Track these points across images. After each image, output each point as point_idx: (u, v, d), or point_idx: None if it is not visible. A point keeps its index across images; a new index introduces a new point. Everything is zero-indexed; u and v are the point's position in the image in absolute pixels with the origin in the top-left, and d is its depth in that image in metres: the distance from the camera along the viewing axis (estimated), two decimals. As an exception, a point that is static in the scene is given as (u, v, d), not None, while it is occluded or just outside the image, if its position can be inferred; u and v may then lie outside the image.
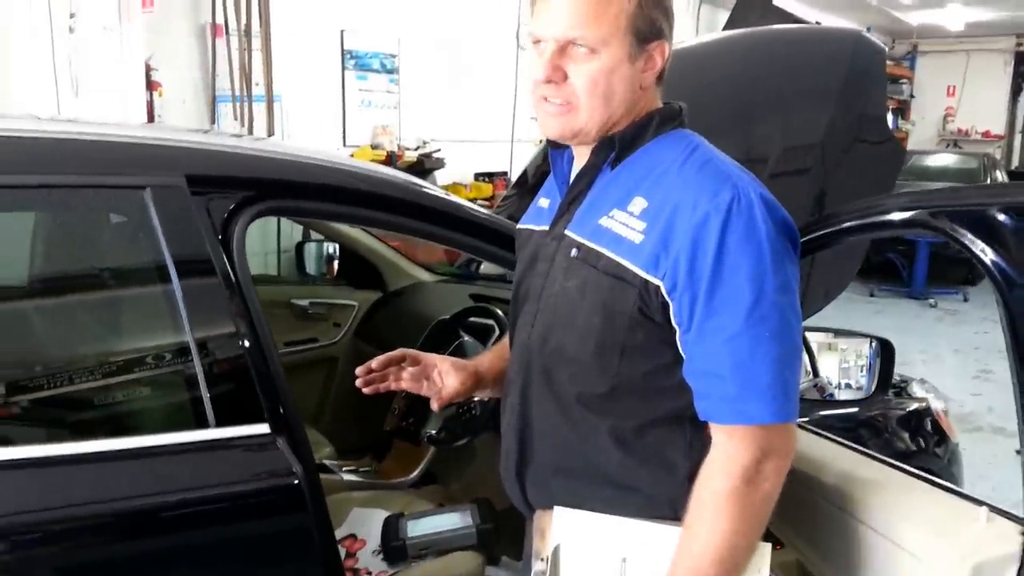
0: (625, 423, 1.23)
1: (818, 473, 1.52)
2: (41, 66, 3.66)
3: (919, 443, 2.42)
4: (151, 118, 4.16)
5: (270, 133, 4.78)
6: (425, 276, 3.14)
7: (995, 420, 4.92)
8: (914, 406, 2.45)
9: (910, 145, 12.25)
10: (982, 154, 10.63)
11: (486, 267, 2.94)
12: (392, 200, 1.70)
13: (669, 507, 1.22)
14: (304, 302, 3.03)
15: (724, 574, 1.14)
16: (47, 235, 1.69)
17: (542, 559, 1.31)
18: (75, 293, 1.62)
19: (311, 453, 1.43)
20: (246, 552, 1.38)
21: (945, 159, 10.55)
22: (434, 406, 1.47)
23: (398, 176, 1.88)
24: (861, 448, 1.64)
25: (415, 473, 2.42)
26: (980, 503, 1.36)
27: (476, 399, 1.94)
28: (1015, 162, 13.43)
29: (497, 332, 2.22)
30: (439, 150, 5.85)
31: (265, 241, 4.34)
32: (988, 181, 9.44)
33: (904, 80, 13.20)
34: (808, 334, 2.23)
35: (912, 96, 13.50)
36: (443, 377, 1.45)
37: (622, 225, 1.20)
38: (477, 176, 6.39)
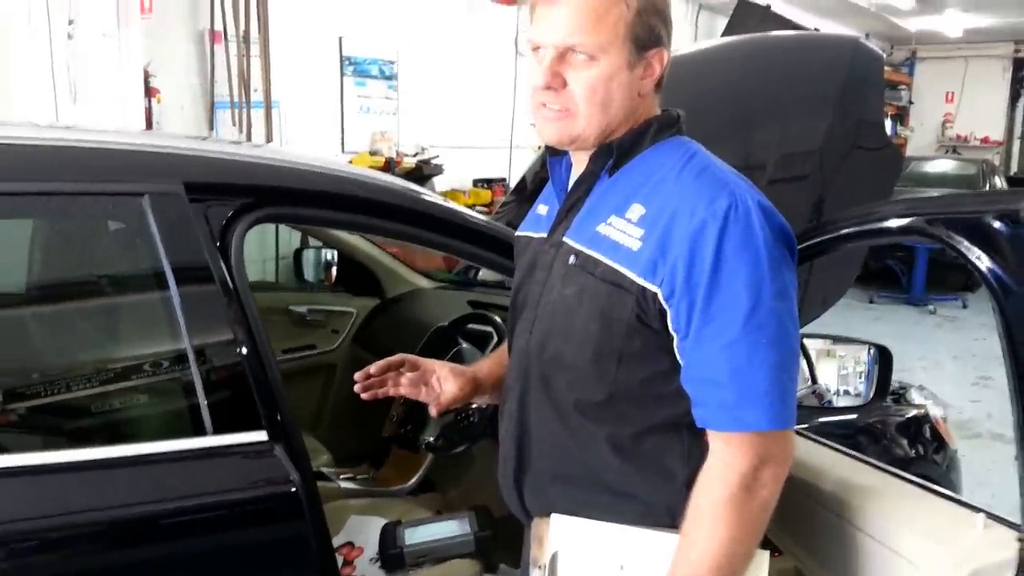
0: (623, 430, 1.23)
1: (816, 480, 1.52)
2: (40, 72, 3.67)
3: (918, 450, 2.42)
4: (149, 124, 4.17)
5: (268, 139, 4.78)
6: (423, 283, 3.14)
7: (994, 426, 4.92)
8: (912, 413, 2.45)
9: (909, 151, 12.28)
10: (981, 160, 10.65)
11: (484, 274, 2.94)
12: (390, 207, 1.70)
13: (667, 514, 1.22)
14: (302, 309, 3.03)
15: (722, 582, 1.14)
16: (45, 242, 1.69)
17: (540, 566, 1.31)
18: (73, 300, 1.62)
19: (309, 461, 1.42)
20: (244, 560, 1.38)
21: (944, 165, 10.57)
22: (432, 411, 1.47)
23: (396, 183, 1.88)
24: (859, 455, 1.64)
25: (413, 480, 2.41)
26: (977, 510, 1.36)
27: (474, 406, 1.93)
28: (1014, 168, 13.45)
29: (495, 339, 2.22)
30: (438, 156, 5.86)
31: (263, 248, 4.34)
32: (987, 187, 9.47)
33: (903, 86, 13.22)
34: (806, 341, 2.23)
35: (911, 102, 13.52)
36: (441, 383, 1.46)
37: (620, 232, 1.20)
38: (476, 182, 6.40)
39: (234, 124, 4.64)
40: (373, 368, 1.43)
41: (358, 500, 2.28)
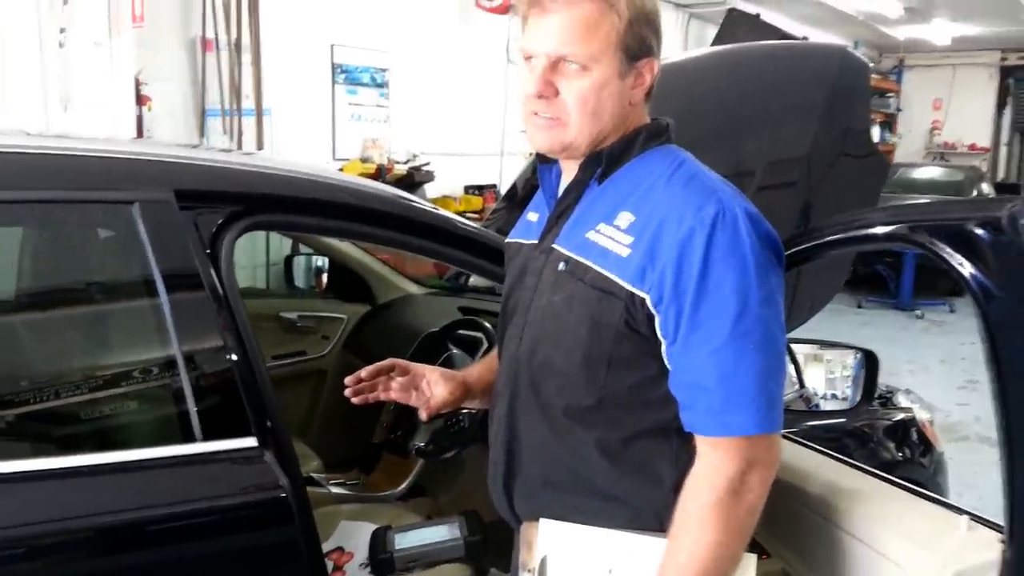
0: (612, 435, 1.24)
1: (803, 483, 1.54)
2: (31, 81, 3.66)
3: (905, 453, 2.43)
4: (140, 132, 4.16)
5: (259, 147, 4.78)
6: (414, 289, 3.14)
7: (982, 429, 4.95)
8: (900, 416, 2.47)
9: (897, 158, 12.33)
10: (968, 167, 10.73)
11: (475, 280, 2.95)
12: (381, 214, 1.71)
13: (655, 518, 1.23)
14: (293, 315, 3.03)
15: (709, 584, 1.15)
16: (35, 250, 1.69)
17: (529, 570, 1.31)
18: (63, 308, 1.62)
19: (298, 466, 1.43)
20: (234, 566, 1.38)
21: (932, 172, 10.64)
22: (422, 415, 1.48)
23: (386, 190, 1.88)
24: (845, 458, 1.65)
25: (403, 486, 2.41)
26: (961, 512, 1.37)
27: (464, 411, 1.94)
28: (1001, 174, 13.53)
29: (486, 345, 2.22)
30: (429, 163, 5.86)
31: (254, 254, 4.34)
32: (974, 193, 9.54)
33: (891, 94, 13.29)
34: (794, 346, 2.25)
35: (899, 109, 13.59)
36: (431, 387, 1.46)
37: (609, 239, 1.22)
38: (467, 189, 6.41)
39: (225, 132, 4.64)
40: (363, 373, 1.44)
41: (348, 505, 2.28)
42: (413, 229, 1.73)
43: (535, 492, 1.33)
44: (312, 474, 2.51)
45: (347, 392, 1.43)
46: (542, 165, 1.36)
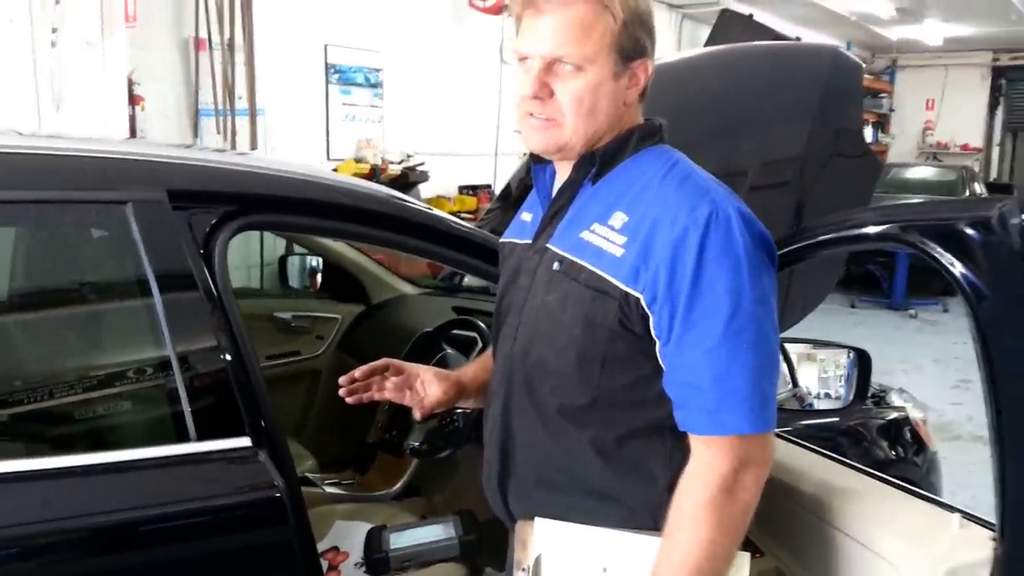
0: (606, 434, 1.25)
1: (796, 482, 1.54)
2: (23, 81, 3.65)
3: (898, 452, 2.44)
4: (133, 132, 4.15)
5: (253, 147, 4.77)
6: (408, 289, 3.14)
7: (975, 429, 4.96)
8: (893, 415, 2.48)
9: (890, 158, 12.37)
10: (961, 166, 10.76)
11: (469, 280, 2.95)
12: (375, 214, 1.71)
13: (649, 517, 1.23)
14: (287, 315, 3.03)
15: (703, 583, 1.15)
16: (28, 250, 1.68)
17: (523, 569, 1.31)
18: (56, 308, 1.61)
19: (293, 466, 1.43)
20: (228, 566, 1.37)
21: (925, 171, 10.68)
22: (416, 415, 1.48)
23: (380, 190, 1.88)
24: (838, 457, 1.66)
25: (398, 485, 2.41)
26: (953, 510, 1.38)
27: (459, 411, 1.94)
28: (993, 173, 13.59)
29: (480, 344, 2.22)
30: (423, 163, 5.86)
31: (248, 254, 4.33)
32: (967, 193, 9.57)
33: (884, 94, 13.35)
34: (787, 345, 2.26)
35: (892, 110, 13.65)
36: (426, 386, 1.47)
37: (603, 239, 1.22)
38: (461, 189, 6.41)
39: (219, 132, 4.63)
40: (358, 372, 1.44)
41: (343, 505, 2.28)
42: (407, 229, 1.73)
43: (529, 491, 1.33)
44: (307, 474, 2.51)
45: (341, 392, 1.43)
46: (536, 165, 1.37)
